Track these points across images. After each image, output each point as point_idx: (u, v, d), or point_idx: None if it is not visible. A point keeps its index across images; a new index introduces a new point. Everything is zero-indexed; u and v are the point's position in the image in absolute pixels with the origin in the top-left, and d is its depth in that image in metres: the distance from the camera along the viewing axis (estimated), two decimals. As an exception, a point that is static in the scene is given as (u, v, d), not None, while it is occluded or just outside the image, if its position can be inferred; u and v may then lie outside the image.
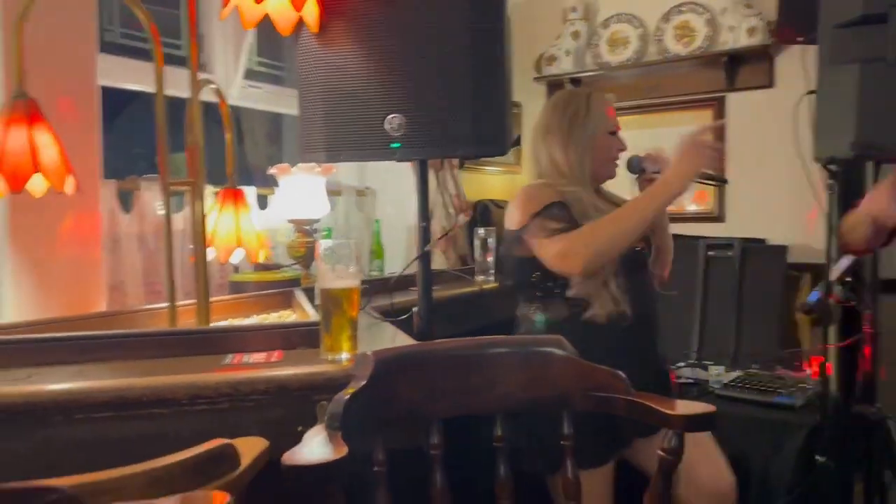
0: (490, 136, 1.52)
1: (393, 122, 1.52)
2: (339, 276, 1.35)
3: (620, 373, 1.24)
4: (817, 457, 2.10)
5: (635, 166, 1.87)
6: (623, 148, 1.88)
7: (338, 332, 1.34)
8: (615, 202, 1.88)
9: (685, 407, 1.13)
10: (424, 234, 1.71)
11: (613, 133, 1.86)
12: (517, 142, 1.91)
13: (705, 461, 1.77)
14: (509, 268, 1.90)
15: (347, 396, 1.10)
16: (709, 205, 3.23)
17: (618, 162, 1.89)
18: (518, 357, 1.27)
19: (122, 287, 2.18)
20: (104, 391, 1.19)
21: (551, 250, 1.69)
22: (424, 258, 1.71)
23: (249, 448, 1.08)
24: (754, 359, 2.66)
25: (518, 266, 1.83)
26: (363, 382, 1.14)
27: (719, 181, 1.85)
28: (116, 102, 2.34)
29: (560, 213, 1.71)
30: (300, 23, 1.58)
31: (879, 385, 2.31)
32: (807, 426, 2.21)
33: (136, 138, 2.91)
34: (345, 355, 1.34)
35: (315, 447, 1.00)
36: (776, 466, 2.23)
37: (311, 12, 1.51)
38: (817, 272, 2.88)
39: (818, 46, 2.39)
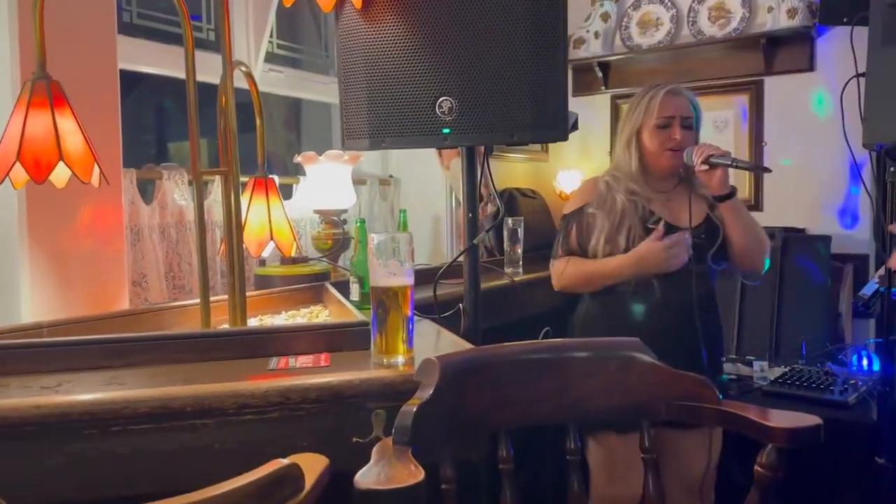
0: (550, 120, 1.41)
1: (444, 105, 1.41)
2: (392, 273, 1.24)
3: (707, 380, 1.13)
4: (876, 458, 2.00)
5: (687, 158, 1.88)
6: (674, 139, 1.90)
7: (392, 334, 1.24)
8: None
9: (787, 419, 1.03)
10: (472, 226, 1.60)
11: (663, 126, 1.90)
12: (575, 126, 1.82)
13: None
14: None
15: (415, 407, 0.99)
16: (746, 193, 3.12)
17: (673, 152, 1.91)
18: (593, 362, 1.16)
19: (143, 281, 2.08)
20: (144, 401, 1.08)
21: (556, 265, 2.02)
22: (472, 251, 1.60)
23: (310, 466, 0.97)
24: (800, 353, 2.54)
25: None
26: (430, 390, 1.03)
27: (759, 169, 1.83)
28: (123, 87, 2.22)
29: (574, 224, 1.97)
30: (342, -1, 1.47)
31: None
32: (862, 424, 2.11)
33: (140, 125, 2.80)
34: (401, 359, 1.23)
35: (386, 468, 0.89)
36: (831, 468, 2.13)
37: (355, -14, 1.40)
38: (861, 263, 2.78)
39: (869, 27, 2.27)
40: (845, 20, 2.63)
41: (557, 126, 1.43)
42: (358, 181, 2.85)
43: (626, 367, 1.15)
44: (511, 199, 3.21)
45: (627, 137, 1.95)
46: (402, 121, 1.45)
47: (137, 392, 1.11)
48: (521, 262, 2.76)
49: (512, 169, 3.48)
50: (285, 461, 0.89)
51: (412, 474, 0.87)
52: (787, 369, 2.44)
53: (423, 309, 1.87)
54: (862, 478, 2.09)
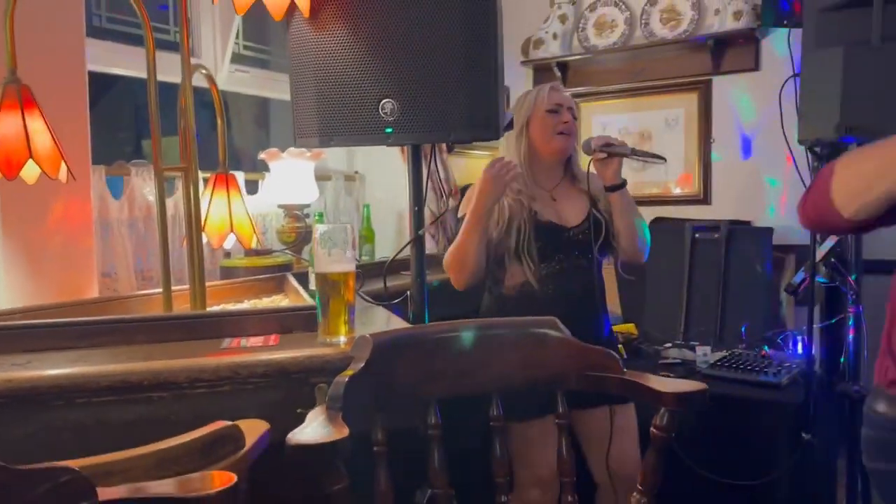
0: (483, 120, 1.54)
1: (386, 106, 1.53)
2: (335, 261, 1.37)
3: (613, 353, 1.26)
4: (803, 434, 2.15)
5: (586, 147, 1.96)
6: (564, 121, 1.97)
7: (335, 316, 1.36)
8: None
9: (677, 385, 1.16)
10: (417, 219, 1.72)
11: (553, 111, 1.97)
12: (510, 125, 1.93)
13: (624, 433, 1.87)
14: None
15: (347, 378, 1.12)
16: (694, 188, 3.26)
17: (564, 136, 1.97)
18: (511, 338, 1.29)
19: (113, 273, 2.18)
20: (106, 375, 1.20)
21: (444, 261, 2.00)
22: (418, 242, 1.72)
23: (251, 429, 1.09)
24: (739, 339, 2.70)
25: None
26: (362, 365, 1.15)
27: (656, 158, 1.93)
28: (97, 87, 2.32)
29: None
30: (292, 7, 1.58)
31: (862, 363, 2.36)
32: (792, 404, 2.25)
33: (117, 123, 2.89)
34: (342, 338, 1.35)
35: (318, 427, 1.02)
36: (763, 444, 2.28)
37: (303, -3, 1.51)
38: (802, 253, 2.93)
39: (803, 29, 2.42)
40: (785, 22, 2.79)
41: (491, 125, 1.55)
42: (323, 177, 2.97)
43: (542, 342, 1.29)
44: (474, 194, 3.33)
45: (518, 129, 2.00)
46: (348, 120, 1.57)
47: (100, 367, 1.22)
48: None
49: (474, 165, 3.60)
50: (227, 423, 1.01)
51: (339, 432, 0.99)
52: (727, 353, 2.58)
53: (378, 297, 2.00)
54: (792, 453, 2.23)
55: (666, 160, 1.99)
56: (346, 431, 0.98)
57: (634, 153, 1.90)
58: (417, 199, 1.73)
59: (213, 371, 1.23)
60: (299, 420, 1.20)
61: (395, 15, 1.52)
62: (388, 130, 1.54)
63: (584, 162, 2.02)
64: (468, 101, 1.52)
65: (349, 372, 1.14)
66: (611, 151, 1.89)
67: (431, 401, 1.25)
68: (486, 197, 1.82)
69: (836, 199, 1.10)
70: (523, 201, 1.92)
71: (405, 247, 1.77)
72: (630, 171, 2.67)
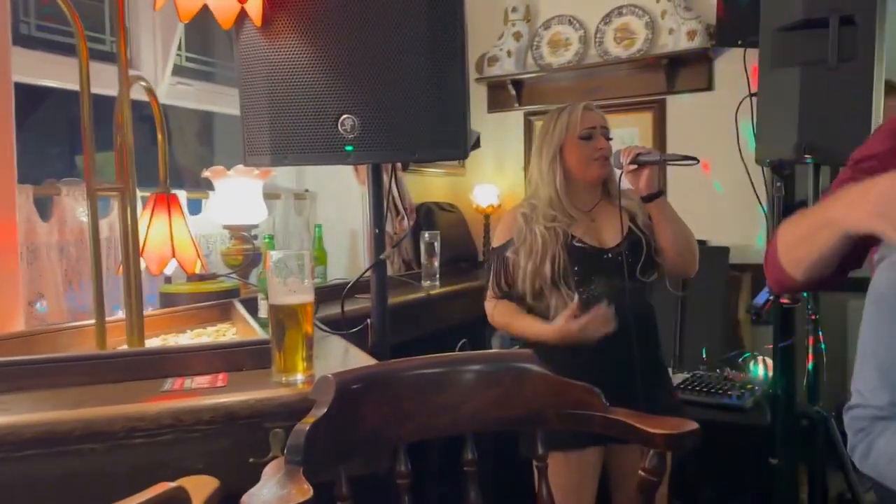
0: (450, 138, 1.45)
1: (346, 123, 1.43)
2: (291, 290, 1.25)
3: (596, 389, 1.18)
4: (770, 459, 2.11)
5: (615, 162, 1.88)
6: (601, 147, 1.89)
7: (292, 352, 1.24)
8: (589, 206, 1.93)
9: (667, 424, 1.08)
10: (379, 241, 1.62)
11: (587, 137, 1.88)
12: (477, 143, 1.84)
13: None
14: None
15: (308, 426, 1.00)
16: (651, 207, 3.24)
17: (601, 161, 1.89)
18: (487, 375, 1.19)
19: (41, 301, 2.00)
20: (29, 426, 1.05)
21: (487, 305, 1.97)
22: (379, 266, 1.61)
23: (199, 489, 0.97)
24: (701, 360, 2.66)
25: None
26: (324, 409, 1.04)
27: (687, 159, 1.83)
28: (27, 99, 2.15)
29: (498, 265, 1.92)
30: (242, 15, 1.46)
31: (821, 384, 2.35)
32: (757, 427, 2.22)
33: (49, 138, 2.70)
34: (300, 377, 1.24)
35: (275, 488, 0.90)
36: (728, 468, 2.23)
37: (255, 4, 1.40)
38: (757, 273, 2.93)
39: (759, 50, 2.41)
40: (739, 42, 2.79)
41: (458, 144, 1.46)
42: (272, 195, 2.83)
43: (520, 378, 1.19)
44: (429, 213, 3.24)
45: (551, 156, 1.90)
46: (304, 137, 1.46)
47: (22, 417, 1.08)
48: (438, 276, 2.79)
49: (430, 183, 3.51)
50: (171, 484, 0.88)
51: (301, 493, 0.87)
52: (688, 375, 2.54)
53: (335, 324, 1.88)
54: (758, 477, 2.19)
55: (698, 161, 1.86)
56: (309, 493, 0.86)
57: (665, 159, 1.82)
58: (378, 220, 1.62)
59: (153, 419, 1.10)
60: (252, 471, 1.08)
61: (355, 25, 1.42)
62: (348, 148, 1.43)
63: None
64: (434, 118, 1.43)
65: (310, 418, 1.02)
66: (640, 161, 1.80)
67: (400, 445, 1.14)
68: (568, 343, 1.72)
69: (785, 265, 1.14)
70: (558, 229, 1.83)
71: (366, 272, 1.65)
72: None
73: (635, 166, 1.80)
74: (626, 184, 1.88)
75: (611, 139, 1.93)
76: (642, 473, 1.09)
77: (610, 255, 1.83)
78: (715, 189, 3.14)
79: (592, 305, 1.77)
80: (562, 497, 1.76)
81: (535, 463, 1.20)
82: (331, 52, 1.42)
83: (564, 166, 1.89)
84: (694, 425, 1.07)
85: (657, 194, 1.82)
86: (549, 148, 1.91)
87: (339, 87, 1.43)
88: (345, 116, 1.42)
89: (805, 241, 1.09)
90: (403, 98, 1.42)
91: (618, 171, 1.87)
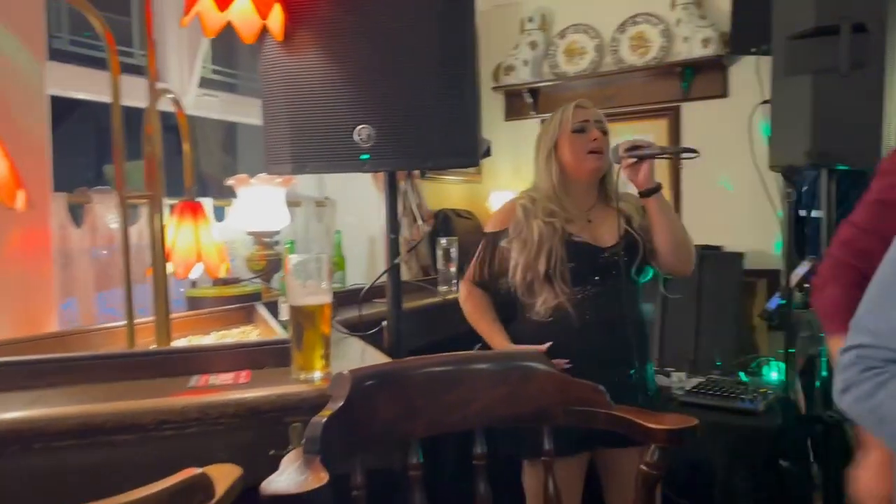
0: (461, 147, 1.50)
1: (362, 133, 1.49)
2: (310, 292, 1.31)
3: (600, 387, 1.23)
4: (781, 461, 2.14)
5: (614, 156, 1.87)
6: (594, 139, 1.89)
7: (310, 351, 1.30)
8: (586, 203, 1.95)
9: (667, 420, 1.13)
10: (393, 246, 1.68)
11: (580, 131, 1.90)
12: (488, 152, 1.90)
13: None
14: None
15: (325, 419, 1.06)
16: (666, 212, 3.27)
17: (595, 154, 1.89)
18: (497, 372, 1.25)
19: (74, 304, 2.09)
20: (65, 418, 1.12)
21: (461, 287, 2.05)
22: (394, 270, 1.67)
23: (223, 476, 1.02)
24: (715, 364, 2.69)
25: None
26: (340, 403, 1.10)
27: (685, 151, 1.82)
28: (58, 110, 2.25)
29: (486, 253, 1.96)
30: (264, 31, 1.54)
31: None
32: (770, 430, 2.24)
33: (81, 148, 2.81)
34: (318, 374, 1.30)
35: (293, 474, 0.96)
36: (741, 471, 2.26)
37: (276, 20, 1.47)
38: (772, 278, 2.95)
39: (772, 57, 2.45)
40: (753, 50, 2.83)
41: (468, 152, 1.52)
42: (293, 203, 2.90)
43: (527, 376, 1.24)
44: (446, 220, 3.30)
45: (546, 153, 1.93)
46: (322, 147, 1.52)
47: (59, 410, 1.15)
48: (454, 281, 2.84)
49: (447, 190, 3.57)
50: (196, 470, 0.95)
51: (316, 479, 0.94)
52: (702, 379, 2.57)
53: (354, 327, 1.94)
54: (769, 480, 2.22)
55: (699, 153, 1.80)
56: (324, 478, 0.92)
57: (664, 151, 1.82)
58: (393, 226, 1.68)
59: (180, 412, 1.17)
60: (273, 463, 1.14)
61: (370, 39, 1.49)
62: (364, 157, 1.50)
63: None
64: (446, 128, 1.49)
65: (327, 412, 1.08)
66: (639, 155, 1.78)
67: (413, 439, 1.20)
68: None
69: None
70: (556, 224, 1.84)
71: (381, 276, 1.71)
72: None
73: (633, 160, 1.78)
74: (622, 185, 1.89)
75: (606, 133, 1.93)
76: (644, 467, 1.14)
77: (607, 255, 1.84)
78: (729, 194, 3.16)
79: (589, 304, 1.81)
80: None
81: (542, 458, 1.25)
82: (347, 65, 1.49)
83: (560, 162, 1.91)
84: (693, 421, 1.11)
85: (655, 189, 1.80)
86: (545, 145, 1.94)
87: (356, 99, 1.49)
88: (361, 126, 1.49)
89: None
90: (416, 108, 1.49)
91: (616, 166, 1.87)
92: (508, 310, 2.02)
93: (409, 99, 1.48)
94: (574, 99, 3.33)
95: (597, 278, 1.83)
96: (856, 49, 2.13)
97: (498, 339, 1.87)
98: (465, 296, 2.00)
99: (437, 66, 1.48)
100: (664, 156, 1.85)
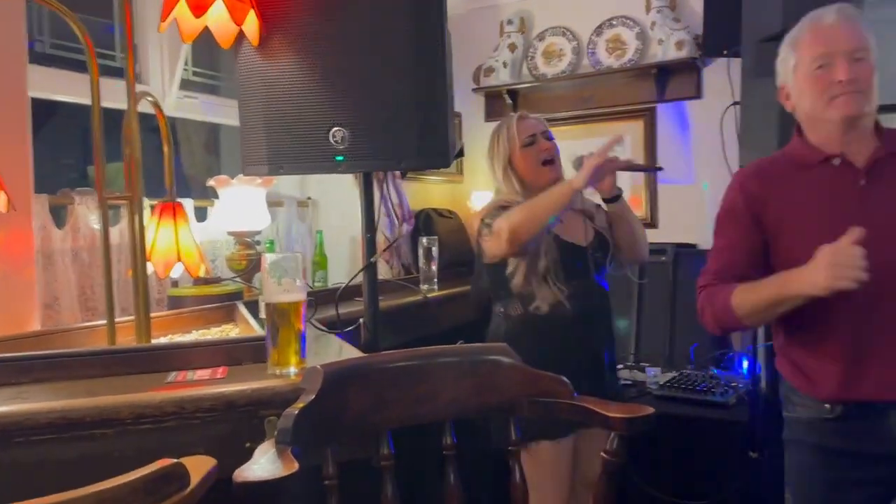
0: (434, 148, 1.55)
1: (336, 135, 1.54)
2: (285, 290, 1.35)
3: (564, 378, 1.28)
4: (751, 453, 2.20)
5: (575, 165, 1.96)
6: (545, 149, 2.02)
7: (285, 346, 1.34)
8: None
9: (625, 409, 1.18)
10: (370, 245, 1.72)
11: (529, 144, 2.02)
12: (461, 153, 1.96)
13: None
14: (478, 272, 2.24)
15: (297, 411, 1.10)
16: (643, 211, 3.33)
17: (550, 164, 2.03)
18: (464, 366, 1.29)
19: (56, 305, 2.12)
20: (45, 412, 1.16)
21: (486, 238, 1.97)
22: (370, 269, 1.72)
23: (198, 466, 1.06)
24: (689, 359, 2.75)
25: (484, 271, 2.11)
26: (312, 396, 1.14)
27: (652, 169, 1.98)
28: (42, 113, 2.27)
29: (499, 213, 1.95)
30: (240, 35, 1.58)
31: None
32: (739, 423, 2.30)
33: (65, 150, 2.83)
34: (293, 369, 1.34)
35: (265, 463, 1.00)
36: (712, 463, 2.31)
37: (251, 26, 1.51)
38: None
39: (742, 60, 2.51)
40: (724, 52, 2.89)
41: (441, 153, 1.57)
42: (275, 203, 2.94)
43: (494, 369, 1.29)
44: (428, 219, 3.34)
45: (503, 168, 2.05)
46: (298, 148, 1.56)
47: (38, 405, 1.18)
48: (436, 279, 2.89)
49: (428, 190, 3.62)
50: (171, 461, 0.99)
51: (287, 468, 0.98)
52: (676, 374, 2.63)
53: (332, 324, 1.99)
54: (740, 471, 2.28)
55: (662, 169, 2.16)
56: (295, 466, 0.97)
57: (631, 167, 1.96)
58: (369, 226, 1.73)
59: (157, 406, 1.20)
60: (248, 455, 1.18)
61: (344, 43, 1.53)
62: (339, 158, 1.54)
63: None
64: (418, 129, 1.54)
65: (299, 404, 1.12)
66: (609, 168, 1.89)
67: (384, 430, 1.24)
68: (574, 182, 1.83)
69: (743, 322, 1.52)
70: None
71: (357, 274, 1.76)
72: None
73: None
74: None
75: (552, 139, 2.05)
76: (605, 455, 1.19)
77: (588, 252, 1.97)
78: (703, 193, 3.22)
79: (578, 299, 1.92)
80: (557, 484, 1.88)
81: (508, 448, 1.30)
82: (322, 68, 1.53)
83: (518, 176, 2.03)
84: (649, 410, 1.17)
85: (619, 195, 1.97)
86: (499, 162, 2.05)
87: (330, 101, 1.53)
88: (335, 128, 1.53)
89: (766, 311, 1.47)
90: (389, 110, 1.53)
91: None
92: (483, 311, 2.16)
93: (383, 101, 1.53)
94: (552, 101, 3.42)
95: (582, 274, 1.96)
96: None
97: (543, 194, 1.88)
98: (501, 225, 1.89)
99: (410, 68, 1.52)
100: (627, 170, 1.97)
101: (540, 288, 1.95)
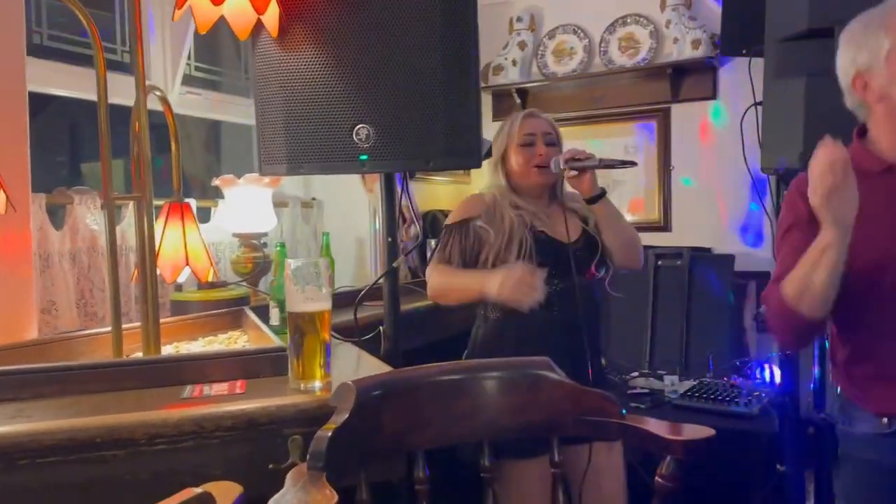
0: (464, 147, 1.46)
1: (361, 132, 1.44)
2: (309, 298, 1.26)
3: (611, 395, 1.19)
4: (778, 466, 2.12)
5: (555, 167, 1.89)
6: (539, 154, 1.92)
7: (310, 359, 1.25)
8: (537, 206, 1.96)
9: (684, 431, 1.09)
10: (392, 249, 1.63)
11: (527, 144, 1.93)
12: (489, 153, 1.87)
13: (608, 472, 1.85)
14: None
15: (330, 432, 1.01)
16: (655, 214, 3.26)
17: (541, 169, 1.92)
18: (506, 381, 1.20)
19: (53, 310, 2.01)
20: (52, 433, 1.06)
21: (428, 272, 1.92)
22: (391, 275, 1.63)
23: (223, 494, 0.97)
24: (707, 367, 2.67)
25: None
26: (345, 416, 1.05)
27: (624, 164, 1.88)
28: (32, 107, 2.16)
29: (457, 237, 1.90)
30: (258, 26, 1.48)
31: (827, 390, 2.36)
32: (765, 434, 2.23)
33: (54, 146, 2.72)
34: (318, 384, 1.25)
35: (300, 493, 0.91)
36: (736, 475, 2.24)
37: (271, 15, 1.42)
38: (763, 280, 2.94)
39: (764, 59, 2.43)
40: (744, 52, 2.81)
41: (471, 154, 1.48)
42: (280, 203, 2.84)
43: (537, 385, 1.20)
44: (434, 221, 3.25)
45: (494, 162, 1.99)
46: (319, 147, 1.47)
47: (43, 424, 1.09)
48: (443, 284, 2.79)
49: (435, 191, 3.53)
50: (197, 489, 0.89)
51: (326, 499, 0.89)
52: (695, 383, 2.55)
53: (345, 331, 1.89)
54: (766, 484, 2.20)
55: (636, 164, 1.97)
56: (333, 498, 0.87)
57: (602, 163, 1.84)
58: (391, 228, 1.64)
59: (174, 425, 1.11)
60: (272, 477, 1.09)
61: (370, 37, 1.44)
62: (363, 158, 1.45)
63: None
64: (447, 128, 1.45)
65: (331, 425, 1.03)
66: (577, 167, 1.84)
67: (419, 452, 1.15)
68: (502, 289, 1.75)
69: (802, 308, 1.34)
70: (524, 217, 1.88)
71: (378, 279, 1.67)
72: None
73: (575, 172, 1.85)
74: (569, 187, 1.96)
75: (554, 145, 1.96)
76: (660, 480, 1.10)
77: (569, 250, 1.87)
78: (719, 196, 3.15)
79: (554, 299, 1.83)
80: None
81: (552, 470, 1.21)
82: (346, 62, 1.44)
83: (507, 172, 1.96)
84: (710, 432, 1.08)
85: (600, 195, 1.88)
86: (496, 153, 1.98)
87: (354, 97, 1.44)
88: (359, 126, 1.44)
89: (811, 275, 1.32)
90: (417, 108, 1.44)
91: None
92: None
93: (410, 97, 1.44)
94: (562, 101, 3.35)
95: (560, 272, 1.86)
96: (849, 51, 2.13)
97: (477, 278, 1.83)
98: (431, 273, 1.90)
99: (440, 64, 1.43)
100: (602, 167, 1.85)
101: None
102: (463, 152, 1.47)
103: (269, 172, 1.57)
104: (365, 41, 1.43)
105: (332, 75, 1.44)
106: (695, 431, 1.09)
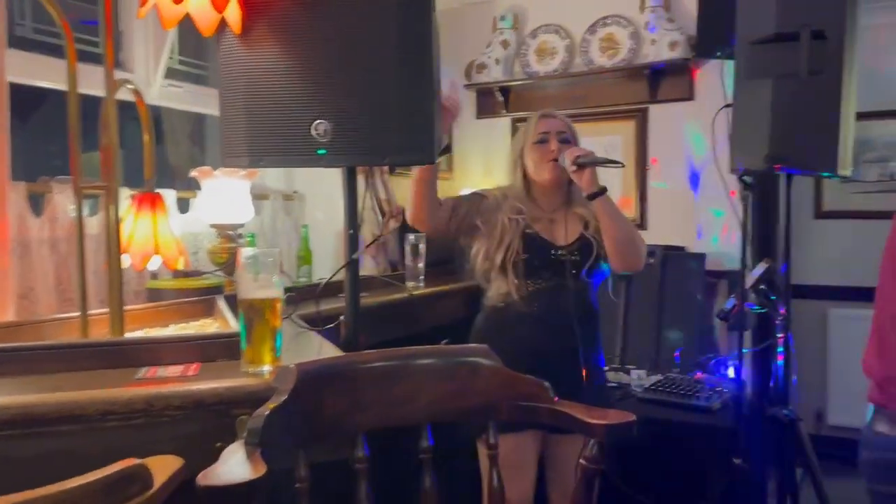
0: (417, 144, 1.51)
1: (319, 128, 1.49)
2: (261, 286, 1.32)
3: (545, 382, 1.25)
4: (734, 459, 2.17)
5: (561, 162, 1.99)
6: (551, 150, 2.03)
7: (259, 344, 1.31)
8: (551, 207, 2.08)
9: (606, 416, 1.15)
10: (352, 241, 1.69)
11: (541, 142, 2.04)
12: (447, 149, 1.93)
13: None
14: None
15: (267, 412, 1.07)
16: (633, 212, 3.31)
17: (553, 165, 2.02)
18: (443, 367, 1.26)
19: (31, 295, 2.07)
20: (8, 408, 1.12)
21: None
22: (352, 265, 1.68)
23: (163, 467, 1.03)
24: (674, 363, 2.73)
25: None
26: (284, 396, 1.10)
27: (615, 163, 1.95)
28: (27, 100, 2.22)
29: (469, 203, 2.08)
30: (223, 23, 1.53)
31: (791, 387, 2.41)
32: (723, 429, 2.28)
33: (48, 138, 2.77)
34: (266, 368, 1.30)
35: (233, 466, 0.97)
36: (695, 468, 2.29)
37: (233, 13, 1.47)
38: (733, 279, 2.99)
39: (735, 61, 2.48)
40: (718, 54, 2.86)
41: (425, 149, 1.53)
42: (261, 196, 2.89)
43: (474, 372, 1.26)
44: (415, 216, 3.30)
45: (514, 159, 2.10)
46: (279, 141, 1.52)
47: (2, 399, 1.14)
48: (422, 277, 2.85)
49: (416, 186, 3.57)
50: (134, 461, 0.95)
51: (254, 470, 0.94)
52: (661, 377, 2.61)
53: (313, 321, 1.95)
54: (723, 477, 2.26)
55: (623, 164, 2.04)
56: (262, 470, 0.93)
57: (596, 161, 1.92)
58: (352, 221, 1.69)
59: (125, 403, 1.17)
60: (219, 455, 1.14)
61: (329, 34, 1.49)
62: (321, 152, 1.50)
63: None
64: (403, 125, 1.50)
65: (270, 405, 1.09)
66: (578, 163, 1.92)
67: (359, 433, 1.21)
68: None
69: None
70: (519, 221, 1.99)
71: (338, 271, 1.72)
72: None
73: (575, 167, 1.92)
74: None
75: (568, 142, 2.05)
76: (583, 462, 1.16)
77: (560, 252, 1.97)
78: (693, 199, 3.20)
79: (538, 297, 1.95)
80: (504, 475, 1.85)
81: (487, 452, 1.27)
82: (306, 59, 1.49)
83: (524, 169, 2.07)
84: (631, 416, 1.14)
85: (600, 192, 1.93)
86: (514, 152, 2.10)
87: (313, 93, 1.49)
88: (318, 121, 1.49)
89: None
90: (373, 104, 1.49)
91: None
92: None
93: (367, 94, 1.49)
94: (544, 100, 3.40)
95: (548, 273, 1.96)
96: (815, 55, 2.18)
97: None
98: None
99: (396, 62, 1.48)
100: (598, 165, 1.93)
101: (496, 279, 2.00)
102: (417, 148, 1.52)
103: (231, 164, 1.63)
104: (324, 39, 1.48)
105: (292, 71, 1.49)
106: (617, 416, 1.14)
